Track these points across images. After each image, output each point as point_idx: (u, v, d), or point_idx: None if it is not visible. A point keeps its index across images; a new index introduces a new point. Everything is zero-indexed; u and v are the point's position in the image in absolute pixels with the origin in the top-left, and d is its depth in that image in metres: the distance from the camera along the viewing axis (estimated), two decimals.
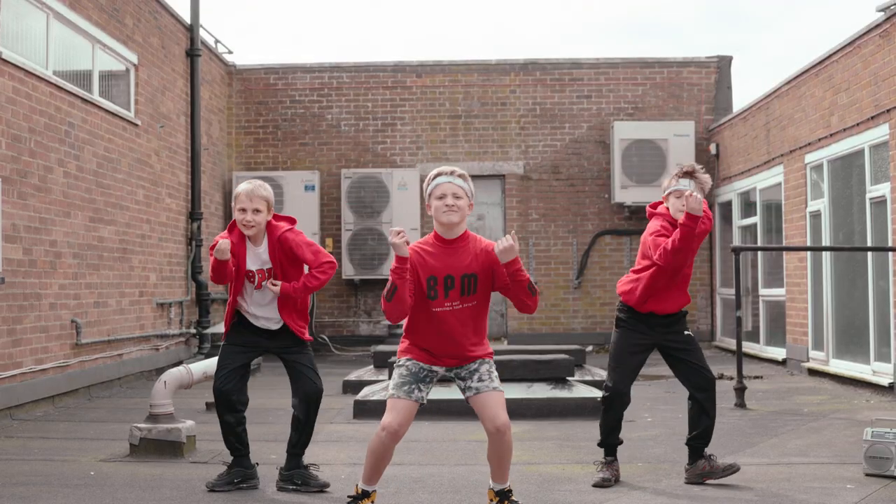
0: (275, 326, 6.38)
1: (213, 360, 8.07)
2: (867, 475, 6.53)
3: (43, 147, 10.27)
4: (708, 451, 6.51)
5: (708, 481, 6.40)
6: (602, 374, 11.79)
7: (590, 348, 16.18)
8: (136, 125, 12.95)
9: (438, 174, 5.40)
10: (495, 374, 5.42)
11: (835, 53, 12.01)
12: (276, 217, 6.40)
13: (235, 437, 6.38)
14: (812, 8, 40.38)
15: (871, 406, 9.99)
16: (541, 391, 9.70)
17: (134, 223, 12.82)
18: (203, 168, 15.64)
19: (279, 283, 6.24)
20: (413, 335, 5.46)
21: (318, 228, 17.20)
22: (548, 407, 9.39)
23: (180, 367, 7.79)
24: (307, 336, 6.42)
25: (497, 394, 5.33)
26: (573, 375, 10.28)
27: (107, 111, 12.02)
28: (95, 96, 11.84)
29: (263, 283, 6.30)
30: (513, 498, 5.50)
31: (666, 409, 9.95)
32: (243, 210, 6.21)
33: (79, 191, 11.12)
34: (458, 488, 6.39)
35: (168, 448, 7.35)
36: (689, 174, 6.45)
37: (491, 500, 5.53)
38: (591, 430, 8.67)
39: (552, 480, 6.60)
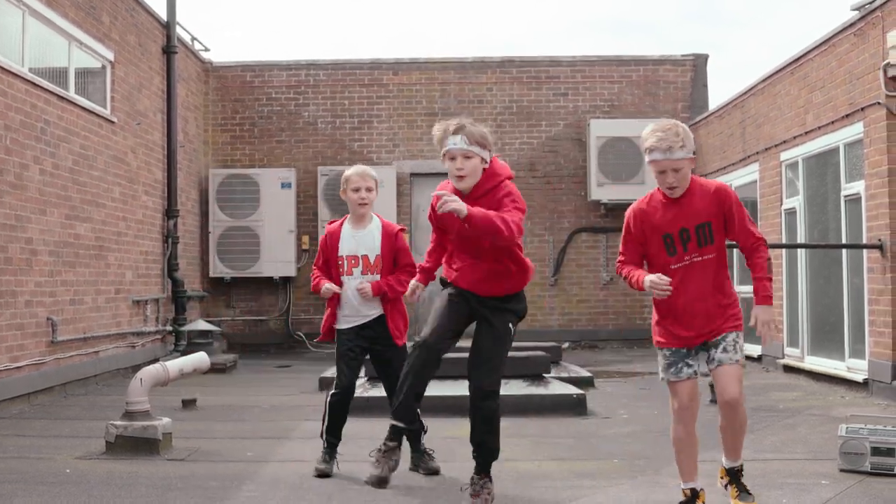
0: (372, 313, 6.69)
1: (190, 358, 8.08)
2: (842, 471, 6.57)
3: (18, 144, 10.21)
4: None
5: None
6: (579, 371, 11.81)
7: (566, 345, 16.20)
8: (112, 122, 12.89)
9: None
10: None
11: (810, 52, 12.08)
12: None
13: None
14: (788, 7, 40.63)
15: (845, 402, 10.06)
16: (517, 388, 9.71)
17: (110, 220, 12.76)
18: (179, 165, 15.59)
19: (368, 284, 6.59)
20: None
21: (295, 226, 17.17)
22: (524, 404, 9.40)
23: (157, 365, 7.77)
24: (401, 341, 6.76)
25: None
26: (549, 372, 10.31)
27: (83, 108, 11.96)
28: (71, 93, 11.77)
29: (352, 279, 6.67)
30: (742, 480, 5.53)
31: (641, 405, 9.99)
32: (357, 189, 6.62)
33: (55, 188, 11.06)
34: (434, 485, 6.41)
35: (144, 445, 7.32)
36: (459, 130, 5.55)
37: (721, 478, 5.64)
38: (567, 426, 8.70)
39: (528, 477, 6.61)
